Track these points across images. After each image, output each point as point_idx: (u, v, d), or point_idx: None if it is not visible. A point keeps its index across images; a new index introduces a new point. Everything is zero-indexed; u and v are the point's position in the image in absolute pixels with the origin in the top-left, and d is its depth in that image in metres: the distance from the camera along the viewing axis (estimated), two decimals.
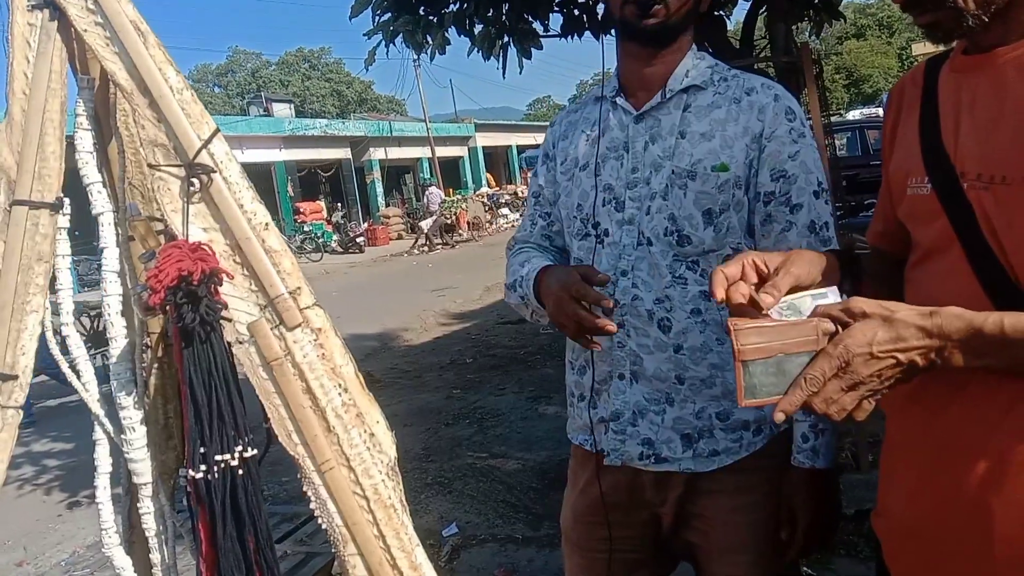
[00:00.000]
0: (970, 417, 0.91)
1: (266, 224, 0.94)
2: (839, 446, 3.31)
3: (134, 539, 1.10)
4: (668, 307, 1.37)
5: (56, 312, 0.98)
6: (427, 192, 22.51)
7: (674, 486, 1.43)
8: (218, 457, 0.89)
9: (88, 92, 1.01)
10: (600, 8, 3.62)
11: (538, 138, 35.38)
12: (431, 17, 3.66)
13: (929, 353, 0.83)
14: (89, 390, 1.01)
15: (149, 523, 1.04)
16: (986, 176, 0.91)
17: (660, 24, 1.35)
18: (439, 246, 19.55)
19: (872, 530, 1.12)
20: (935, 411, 0.95)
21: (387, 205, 27.50)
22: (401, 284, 13.37)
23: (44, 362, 1.06)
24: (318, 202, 24.44)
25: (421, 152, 29.72)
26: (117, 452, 1.03)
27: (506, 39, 3.72)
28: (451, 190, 26.79)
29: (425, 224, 20.04)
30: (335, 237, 21.91)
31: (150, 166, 0.93)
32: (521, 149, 36.62)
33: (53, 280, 0.99)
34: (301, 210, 22.95)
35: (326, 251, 20.27)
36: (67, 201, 0.98)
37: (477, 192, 27.65)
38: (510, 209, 25.57)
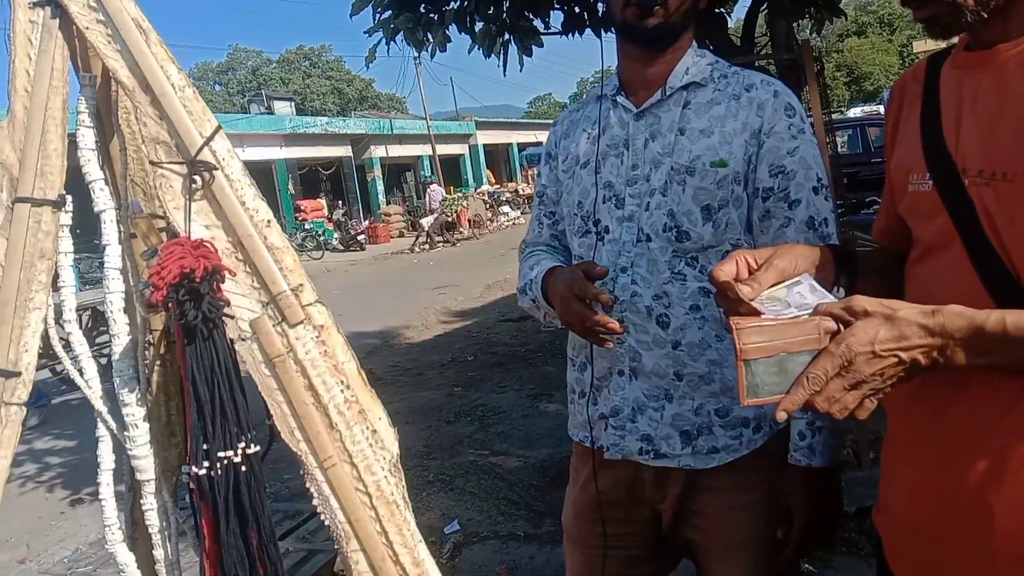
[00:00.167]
0: (971, 415, 0.91)
1: (268, 221, 0.94)
2: (840, 443, 3.32)
3: (137, 536, 1.10)
4: (667, 303, 1.37)
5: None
6: (428, 190, 22.52)
7: (674, 483, 1.43)
8: (221, 454, 0.89)
9: (90, 89, 1.01)
10: (601, 6, 3.62)
11: (539, 136, 35.42)
12: (432, 15, 3.65)
13: (931, 352, 0.83)
14: (92, 387, 1.01)
15: (152, 520, 1.04)
16: (987, 172, 0.91)
17: (661, 25, 1.35)
18: (440, 244, 19.55)
19: (873, 527, 1.12)
20: (936, 409, 0.95)
21: (388, 203, 27.48)
22: (402, 282, 13.37)
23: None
24: (319, 200, 24.43)
25: (422, 150, 29.71)
26: (120, 449, 1.03)
27: (507, 36, 3.72)
28: (452, 188, 26.79)
29: (426, 222, 20.04)
30: (336, 235, 21.92)
31: (152, 163, 0.94)
32: (522, 147, 36.61)
33: (55, 277, 0.99)
34: (302, 208, 22.95)
35: (327, 249, 20.28)
36: (69, 198, 0.98)
37: (478, 190, 27.64)
38: (511, 207, 25.57)
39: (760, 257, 0.98)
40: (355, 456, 0.95)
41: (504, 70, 3.83)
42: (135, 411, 1.01)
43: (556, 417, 4.91)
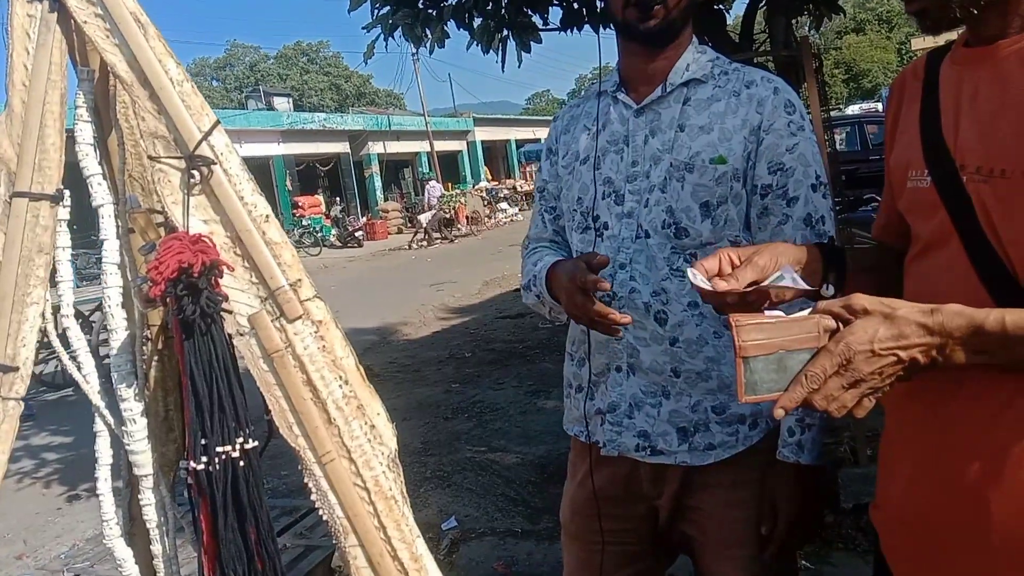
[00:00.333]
0: (969, 411, 0.92)
1: (266, 216, 0.94)
2: (837, 440, 3.33)
3: (135, 531, 1.10)
4: (665, 300, 1.37)
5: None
6: (427, 186, 22.50)
7: (671, 479, 1.43)
8: (219, 449, 0.89)
9: (88, 84, 1.00)
10: (599, 2, 3.61)
11: (537, 132, 35.40)
12: (430, 10, 3.65)
13: (930, 350, 0.83)
14: (90, 382, 1.01)
15: (150, 515, 1.04)
16: (985, 169, 0.91)
17: (661, 23, 1.35)
18: (438, 240, 19.54)
19: (870, 523, 1.12)
20: (934, 405, 0.95)
21: (386, 199, 27.46)
22: (400, 278, 13.37)
23: None
24: (316, 196, 24.39)
25: (420, 146, 29.69)
26: (118, 444, 1.03)
27: (505, 32, 3.71)
28: (450, 184, 26.77)
29: (424, 218, 20.03)
30: (333, 231, 21.90)
31: (150, 158, 0.93)
32: (520, 143, 36.59)
33: (53, 272, 0.99)
34: (299, 204, 22.91)
35: (324, 245, 20.25)
36: (67, 193, 0.98)
37: (476, 186, 27.63)
38: (509, 203, 25.55)
39: (744, 254, 1.01)
40: (353, 451, 0.94)
41: (502, 66, 3.82)
42: (133, 406, 1.00)
43: (554, 413, 4.91)
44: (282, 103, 29.90)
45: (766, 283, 0.97)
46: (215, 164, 0.92)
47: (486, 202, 23.94)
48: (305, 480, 0.95)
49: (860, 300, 0.85)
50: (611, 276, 1.38)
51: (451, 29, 3.69)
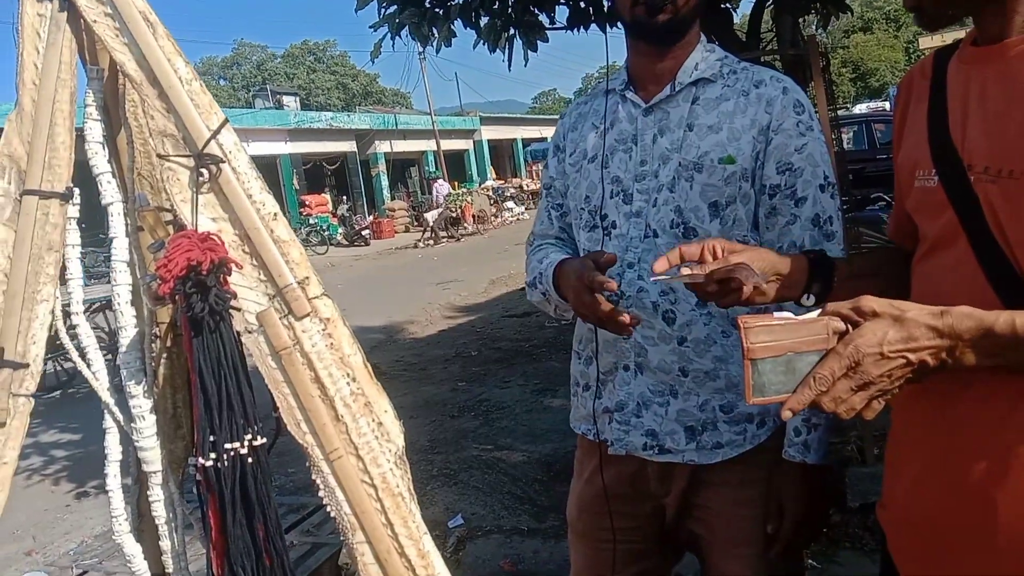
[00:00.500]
0: (977, 412, 0.91)
1: (274, 214, 0.95)
2: (845, 440, 3.32)
3: (143, 527, 1.11)
4: (673, 299, 1.37)
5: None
6: (435, 185, 22.51)
7: (678, 478, 1.43)
8: (228, 445, 0.89)
9: (97, 83, 1.01)
10: (607, 1, 3.61)
11: (543, 131, 35.37)
12: (437, 9, 3.65)
13: (940, 353, 0.82)
14: (99, 379, 1.01)
15: (159, 511, 1.05)
16: (993, 169, 0.90)
17: (670, 22, 1.35)
18: (444, 239, 19.55)
19: (877, 523, 1.12)
20: (941, 405, 0.95)
21: (392, 198, 27.48)
22: (406, 277, 13.38)
23: None
24: (323, 195, 24.45)
25: (426, 145, 29.70)
26: (127, 441, 1.03)
27: (512, 31, 3.71)
28: (456, 183, 26.78)
29: (430, 216, 20.03)
30: (340, 230, 21.93)
31: (159, 156, 0.94)
32: (526, 142, 36.56)
33: (63, 270, 1.00)
34: (306, 203, 22.97)
35: (331, 244, 20.29)
36: (76, 191, 0.98)
37: (482, 185, 27.63)
38: (515, 202, 25.55)
39: (728, 248, 1.05)
40: (361, 448, 0.95)
41: (509, 65, 3.83)
42: (142, 403, 1.01)
43: (560, 412, 4.91)
44: (289, 102, 29.95)
45: (663, 277, 1.05)
46: (224, 162, 0.93)
47: (492, 201, 23.94)
48: (313, 477, 0.96)
49: (869, 302, 0.84)
50: (619, 275, 1.38)
51: (458, 28, 3.70)
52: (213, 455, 0.90)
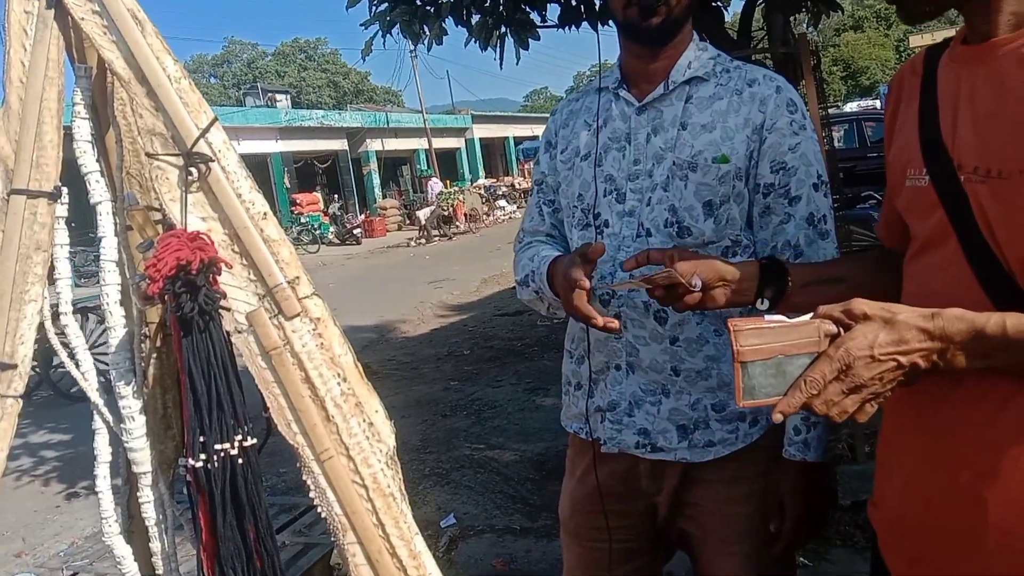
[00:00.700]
0: (966, 411, 0.92)
1: (264, 213, 0.94)
2: (835, 437, 3.33)
3: (134, 528, 1.10)
4: None
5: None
6: (428, 183, 22.49)
7: (670, 476, 1.43)
8: (218, 446, 0.89)
9: (85, 81, 1.00)
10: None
11: (535, 130, 35.36)
12: (428, 7, 3.64)
13: (931, 355, 0.83)
14: (88, 379, 1.01)
15: (149, 512, 1.04)
16: (983, 169, 0.90)
17: (663, 22, 1.35)
18: (436, 238, 19.53)
19: (868, 520, 1.12)
20: (932, 405, 0.95)
21: (384, 197, 27.44)
22: (398, 276, 13.36)
23: None
24: (315, 194, 24.36)
25: (418, 143, 29.67)
26: (116, 442, 1.03)
27: (503, 29, 3.71)
28: (448, 182, 26.76)
29: (422, 214, 20.01)
30: (332, 229, 21.88)
31: (148, 155, 0.93)
32: (518, 141, 36.56)
33: (51, 270, 0.99)
34: (297, 202, 22.89)
35: (323, 243, 20.25)
36: (65, 190, 0.98)
37: (474, 184, 27.62)
38: (507, 201, 25.55)
39: (678, 256, 1.15)
40: (352, 449, 0.94)
41: (500, 63, 3.82)
42: (131, 404, 1.00)
43: (552, 411, 4.90)
44: (280, 100, 29.85)
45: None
46: (213, 161, 0.92)
47: (484, 199, 23.93)
48: (304, 477, 0.95)
49: (860, 305, 0.84)
50: (611, 274, 1.38)
51: (449, 26, 3.69)
52: (203, 456, 0.89)
